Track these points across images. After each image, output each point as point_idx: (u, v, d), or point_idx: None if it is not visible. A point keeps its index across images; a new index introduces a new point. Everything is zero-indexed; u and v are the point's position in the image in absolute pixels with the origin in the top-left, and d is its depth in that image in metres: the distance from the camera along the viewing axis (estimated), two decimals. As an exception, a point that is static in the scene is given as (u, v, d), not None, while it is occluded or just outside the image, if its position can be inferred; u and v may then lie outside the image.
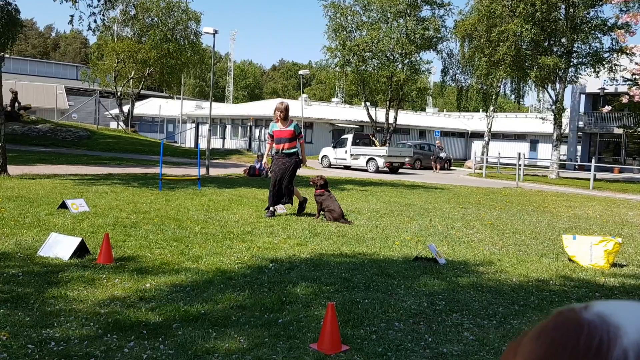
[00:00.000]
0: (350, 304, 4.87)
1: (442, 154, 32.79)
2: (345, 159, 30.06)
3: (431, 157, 33.08)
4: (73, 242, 6.04)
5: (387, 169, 28.47)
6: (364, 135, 31.83)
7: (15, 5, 16.10)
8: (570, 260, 7.17)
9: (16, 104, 31.86)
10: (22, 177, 14.53)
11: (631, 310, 0.49)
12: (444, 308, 4.92)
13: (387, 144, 42.84)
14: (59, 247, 6.03)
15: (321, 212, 9.68)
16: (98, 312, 4.36)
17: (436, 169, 31.94)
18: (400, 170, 31.35)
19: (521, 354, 0.51)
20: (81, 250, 6.05)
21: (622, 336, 0.46)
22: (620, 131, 37.57)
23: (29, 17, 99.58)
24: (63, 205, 9.14)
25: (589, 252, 6.95)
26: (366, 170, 28.87)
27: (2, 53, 15.64)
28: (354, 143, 30.06)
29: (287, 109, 9.67)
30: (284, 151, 9.66)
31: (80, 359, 3.52)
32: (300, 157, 9.91)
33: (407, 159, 30.81)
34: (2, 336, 3.77)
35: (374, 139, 31.88)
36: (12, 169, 15.19)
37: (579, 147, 42.43)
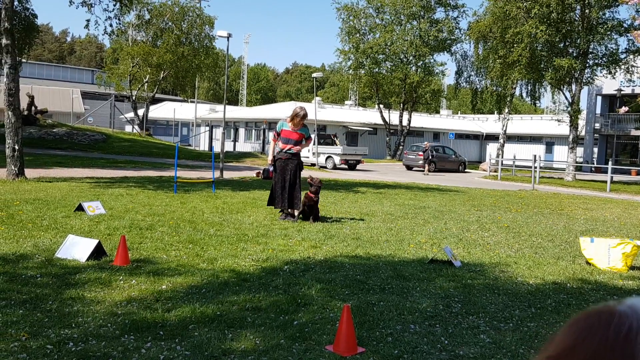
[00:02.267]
0: (365, 306, 4.87)
1: (432, 154, 32.31)
2: (308, 157, 31.77)
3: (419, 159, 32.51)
4: (90, 244, 6.09)
5: (345, 166, 31.05)
6: (326, 135, 34.00)
7: (33, 10, 16.32)
8: (587, 263, 7.10)
9: (33, 108, 32.24)
10: (39, 180, 14.70)
11: None
12: (460, 310, 4.90)
13: (401, 146, 42.79)
14: (76, 249, 6.09)
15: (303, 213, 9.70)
16: (115, 313, 4.39)
17: (425, 170, 30.78)
18: (413, 168, 31.38)
19: (555, 342, 0.53)
20: (98, 252, 6.11)
21: None
22: (638, 133, 37.17)
23: (44, 22, 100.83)
24: (80, 208, 9.23)
25: (606, 255, 6.88)
26: (325, 167, 30.43)
27: (20, 58, 15.85)
28: (317, 142, 31.85)
29: (306, 116, 9.74)
30: (288, 151, 9.67)
31: (98, 359, 3.56)
32: (301, 160, 9.88)
33: (361, 157, 32.43)
34: (21, 336, 3.81)
35: (334, 138, 33.86)
36: (29, 172, 15.36)
37: (596, 149, 41.99)
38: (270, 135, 10.85)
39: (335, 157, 30.97)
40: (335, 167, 30.62)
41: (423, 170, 33.12)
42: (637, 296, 0.53)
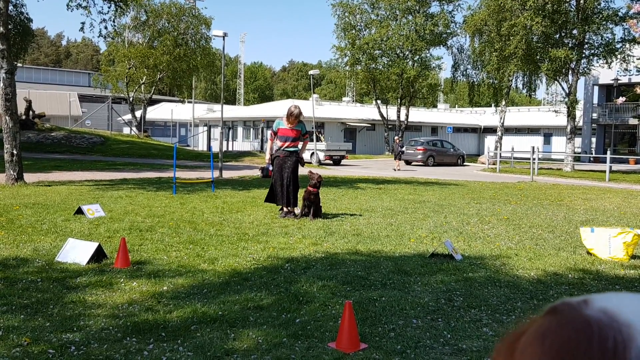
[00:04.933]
0: (367, 302, 4.86)
1: (404, 149, 31.37)
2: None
3: (392, 153, 31.24)
4: (90, 247, 6.09)
5: (330, 161, 31.44)
6: (311, 132, 33.77)
7: (27, 14, 16.28)
8: (588, 253, 7.10)
9: (30, 112, 32.20)
10: (38, 184, 14.68)
11: (635, 304, 0.46)
12: (462, 304, 4.90)
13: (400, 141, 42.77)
14: (77, 252, 6.08)
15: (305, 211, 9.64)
16: (117, 315, 4.39)
17: (397, 165, 28.89)
18: (412, 163, 31.33)
19: (525, 357, 0.46)
20: (98, 255, 6.10)
21: (636, 335, 0.42)
22: (636, 122, 37.17)
23: (40, 26, 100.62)
24: (79, 211, 9.23)
25: (607, 245, 6.88)
26: (310, 163, 30.60)
27: (16, 62, 15.81)
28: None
29: (300, 114, 9.73)
30: (286, 149, 9.69)
31: (101, 362, 3.55)
32: (300, 156, 9.86)
33: (345, 152, 32.72)
34: (23, 342, 3.81)
35: (320, 135, 34.31)
36: (28, 177, 15.35)
37: (594, 139, 42.00)
38: (268, 134, 10.87)
39: (319, 153, 31.27)
40: (320, 163, 30.88)
41: (422, 165, 33.10)
42: (598, 293, 0.48)
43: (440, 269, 6.06)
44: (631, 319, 0.43)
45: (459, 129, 51.04)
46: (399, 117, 44.31)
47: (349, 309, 3.83)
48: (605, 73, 34.88)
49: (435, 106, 61.45)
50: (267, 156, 9.97)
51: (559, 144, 45.61)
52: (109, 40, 37.04)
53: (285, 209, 9.76)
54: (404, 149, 31.01)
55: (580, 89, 37.49)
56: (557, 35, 29.18)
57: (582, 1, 27.91)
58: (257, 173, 21.03)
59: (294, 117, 9.63)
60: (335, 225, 8.89)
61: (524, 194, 15.72)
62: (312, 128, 31.71)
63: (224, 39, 20.40)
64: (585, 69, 29.81)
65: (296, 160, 9.73)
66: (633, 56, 27.80)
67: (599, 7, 28.13)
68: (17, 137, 14.48)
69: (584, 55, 29.04)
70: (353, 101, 59.45)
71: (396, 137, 31.41)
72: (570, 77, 29.63)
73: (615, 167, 28.46)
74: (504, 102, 37.85)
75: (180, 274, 5.67)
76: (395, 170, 27.66)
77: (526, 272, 6.14)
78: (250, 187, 15.20)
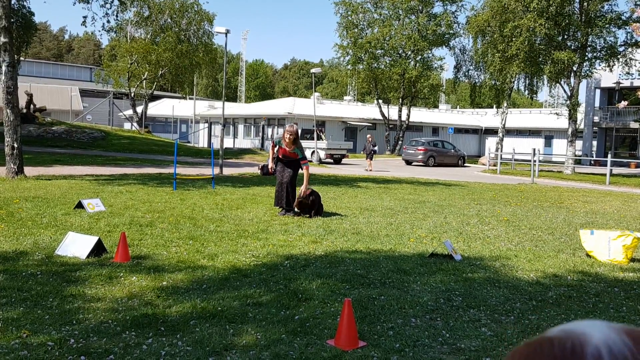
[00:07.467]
0: (366, 300, 4.87)
1: (376, 148, 29.79)
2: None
3: (363, 152, 28.82)
4: (90, 241, 6.09)
5: (330, 160, 31.45)
6: (312, 130, 33.78)
7: (29, 8, 16.26)
8: (587, 255, 7.10)
9: (31, 106, 32.18)
10: (39, 178, 14.68)
11: (588, 322, 0.54)
12: (461, 304, 4.90)
13: (400, 141, 42.77)
14: (77, 246, 6.08)
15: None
16: (116, 309, 4.39)
17: (369, 165, 26.93)
18: (413, 163, 31.33)
19: None
20: (98, 249, 6.11)
21: (590, 338, 0.51)
22: (637, 125, 37.14)
23: (42, 20, 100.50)
24: (79, 205, 9.23)
25: (607, 247, 6.88)
26: (310, 161, 29.80)
27: (18, 56, 15.80)
28: (302, 137, 31.47)
29: (297, 132, 9.67)
30: (287, 158, 9.78)
31: (100, 355, 3.56)
32: (300, 163, 9.81)
33: (346, 151, 32.61)
34: (22, 334, 3.81)
35: (321, 133, 33.89)
36: (29, 170, 15.34)
37: (595, 142, 41.95)
38: (269, 141, 10.98)
39: (320, 152, 31.13)
40: (321, 162, 30.74)
41: (423, 165, 33.08)
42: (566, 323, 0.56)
43: (439, 269, 6.07)
44: (586, 329, 0.53)
45: (460, 130, 51.01)
46: (400, 117, 44.30)
47: (348, 307, 3.84)
48: (607, 76, 34.84)
49: (436, 106, 61.38)
50: (270, 164, 10.01)
51: (560, 146, 45.59)
52: (112, 34, 37.06)
53: (285, 209, 9.78)
54: (375, 148, 28.88)
55: (582, 91, 37.44)
56: (560, 38, 29.15)
57: (585, 4, 27.89)
58: (257, 170, 21.01)
59: (291, 134, 9.58)
60: (335, 224, 8.90)
61: (524, 195, 15.72)
62: (313, 126, 31.70)
63: (226, 36, 20.38)
64: (588, 72, 29.78)
65: (296, 168, 9.78)
66: (635, 60, 27.78)
67: (602, 10, 28.11)
68: (18, 130, 14.48)
69: (586, 58, 29.01)
70: (354, 100, 59.44)
71: (368, 135, 28.99)
72: (572, 79, 29.60)
73: (616, 170, 28.44)
74: (505, 104, 37.84)
75: (179, 269, 5.68)
76: (367, 170, 26.10)
77: (525, 273, 6.14)
78: (250, 185, 15.20)
